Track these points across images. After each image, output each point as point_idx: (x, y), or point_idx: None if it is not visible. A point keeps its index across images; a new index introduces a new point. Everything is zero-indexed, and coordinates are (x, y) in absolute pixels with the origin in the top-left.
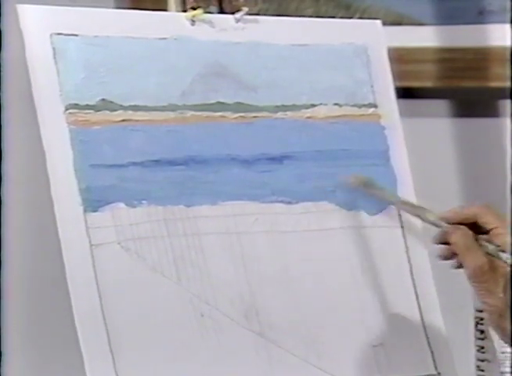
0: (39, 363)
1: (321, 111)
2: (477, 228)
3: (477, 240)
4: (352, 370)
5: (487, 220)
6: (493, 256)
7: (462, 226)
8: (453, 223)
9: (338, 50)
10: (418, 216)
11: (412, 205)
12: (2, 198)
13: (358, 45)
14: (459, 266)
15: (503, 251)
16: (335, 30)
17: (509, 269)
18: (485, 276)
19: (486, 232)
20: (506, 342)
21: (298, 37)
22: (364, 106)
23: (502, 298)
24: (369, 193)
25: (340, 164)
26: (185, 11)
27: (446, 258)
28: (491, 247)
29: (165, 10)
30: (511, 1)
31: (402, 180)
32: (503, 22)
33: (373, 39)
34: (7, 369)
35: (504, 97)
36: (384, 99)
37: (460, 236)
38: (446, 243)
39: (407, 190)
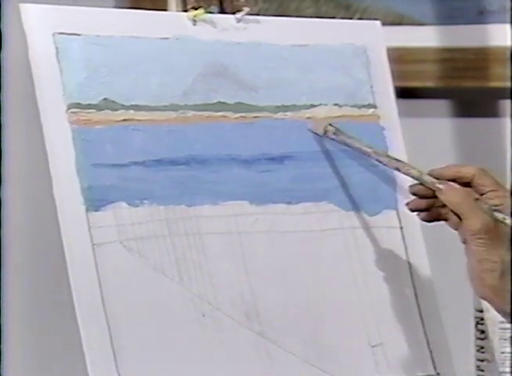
0: (39, 363)
1: (321, 112)
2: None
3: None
4: (351, 370)
5: (484, 182)
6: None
7: (456, 185)
8: (443, 180)
9: (338, 50)
10: (397, 169)
11: (390, 157)
12: (3, 198)
13: (357, 46)
14: (431, 220)
15: (499, 211)
16: (335, 30)
17: (507, 229)
18: (491, 233)
19: (480, 194)
20: (504, 314)
21: (299, 38)
22: (363, 106)
23: (504, 254)
24: (341, 142)
25: (339, 164)
26: (185, 11)
27: (431, 217)
28: (485, 207)
29: (165, 10)
30: (511, 1)
31: (401, 181)
32: (503, 22)
33: (372, 40)
34: (7, 369)
35: (504, 97)
36: (384, 100)
37: (462, 196)
38: (425, 197)
39: (406, 190)
